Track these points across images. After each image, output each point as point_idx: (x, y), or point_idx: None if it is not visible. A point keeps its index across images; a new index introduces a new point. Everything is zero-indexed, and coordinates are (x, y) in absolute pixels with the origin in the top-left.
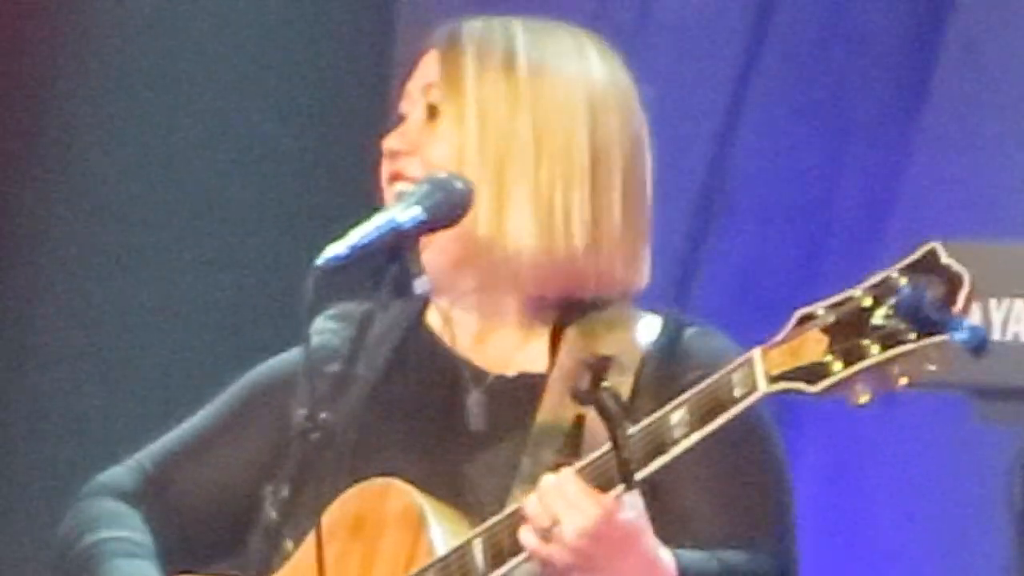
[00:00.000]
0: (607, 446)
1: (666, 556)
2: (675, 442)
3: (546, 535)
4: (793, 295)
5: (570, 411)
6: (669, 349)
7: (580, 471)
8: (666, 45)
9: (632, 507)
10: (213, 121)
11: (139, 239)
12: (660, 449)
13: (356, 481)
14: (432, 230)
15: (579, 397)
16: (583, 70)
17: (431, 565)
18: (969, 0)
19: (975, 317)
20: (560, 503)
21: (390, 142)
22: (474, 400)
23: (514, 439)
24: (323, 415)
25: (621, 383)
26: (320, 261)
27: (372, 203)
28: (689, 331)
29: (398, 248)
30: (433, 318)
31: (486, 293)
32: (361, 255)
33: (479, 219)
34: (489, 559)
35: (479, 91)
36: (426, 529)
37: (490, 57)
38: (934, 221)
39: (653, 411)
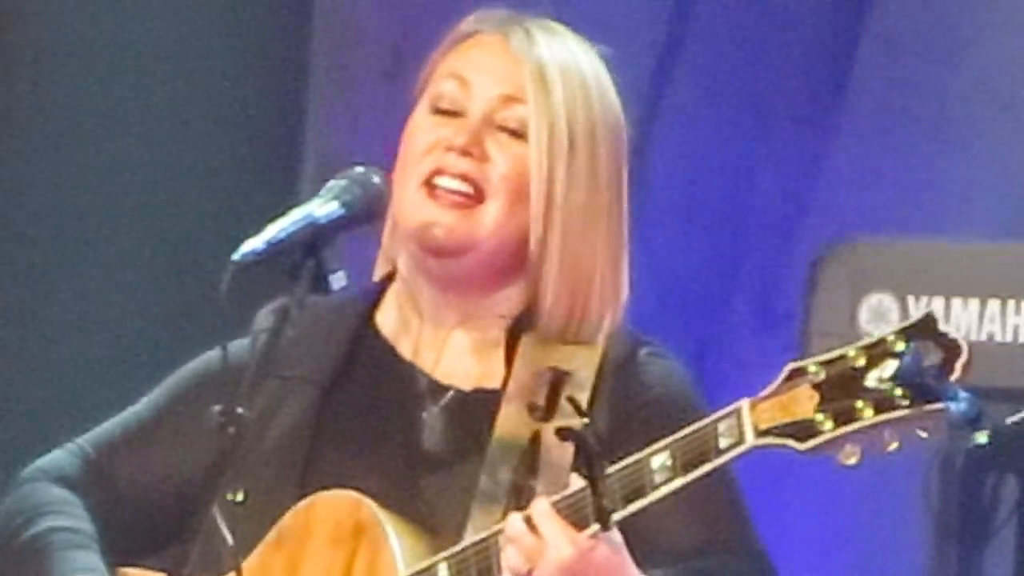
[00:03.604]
0: (584, 484)
1: None
2: (655, 487)
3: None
4: (712, 295)
5: (526, 427)
6: (625, 368)
7: (555, 505)
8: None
9: (610, 540)
10: (142, 122)
11: (79, 242)
12: (639, 492)
13: (306, 490)
14: (349, 226)
15: (562, 434)
16: (619, 109)
17: None
18: None
19: (893, 314)
20: (535, 542)
21: (457, 138)
22: (431, 419)
23: (471, 457)
24: (239, 410)
25: (578, 399)
26: (237, 256)
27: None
28: (644, 351)
29: (315, 243)
30: (383, 320)
31: (482, 320)
32: (278, 250)
33: (554, 260)
34: None
35: (571, 133)
36: (387, 546)
37: (575, 91)
38: (850, 218)
39: (608, 430)
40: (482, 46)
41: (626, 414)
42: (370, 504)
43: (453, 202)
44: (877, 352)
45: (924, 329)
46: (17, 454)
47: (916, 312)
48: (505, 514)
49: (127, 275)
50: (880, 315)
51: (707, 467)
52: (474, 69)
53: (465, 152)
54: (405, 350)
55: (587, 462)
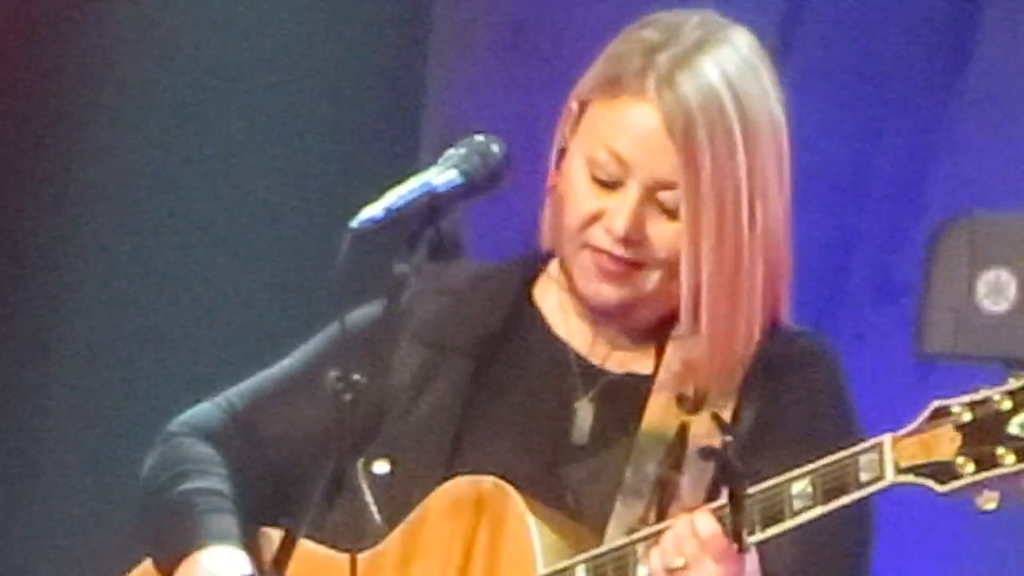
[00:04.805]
0: (724, 502)
1: None
2: (794, 513)
3: (672, 572)
4: (830, 267)
5: (674, 418)
6: (776, 364)
7: None
8: None
9: (750, 562)
10: (242, 116)
11: (204, 208)
12: (777, 517)
13: (454, 466)
14: (468, 194)
15: (704, 453)
16: (775, 105)
17: None
18: None
19: (1010, 290)
20: (697, 546)
21: (616, 221)
22: (583, 411)
23: (618, 445)
24: (356, 376)
25: (727, 389)
26: (355, 223)
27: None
28: (798, 345)
29: (433, 212)
30: (541, 295)
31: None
32: (396, 218)
33: (708, 324)
34: None
35: (719, 203)
36: (530, 543)
37: (722, 147)
38: (971, 192)
39: (752, 428)
40: (634, 118)
41: (773, 414)
42: (518, 499)
43: (617, 272)
44: (1023, 397)
45: None
46: (153, 416)
47: None
48: (648, 509)
49: (249, 242)
50: (998, 290)
51: (846, 499)
52: (629, 148)
53: (625, 240)
54: (560, 329)
55: (728, 482)
